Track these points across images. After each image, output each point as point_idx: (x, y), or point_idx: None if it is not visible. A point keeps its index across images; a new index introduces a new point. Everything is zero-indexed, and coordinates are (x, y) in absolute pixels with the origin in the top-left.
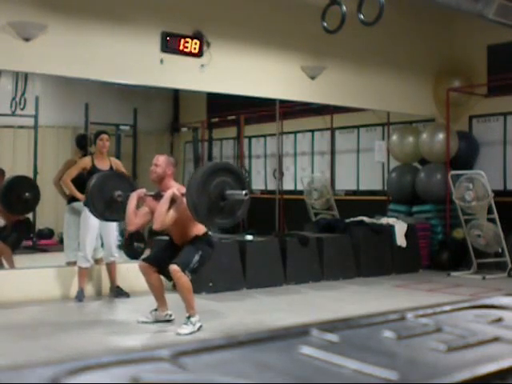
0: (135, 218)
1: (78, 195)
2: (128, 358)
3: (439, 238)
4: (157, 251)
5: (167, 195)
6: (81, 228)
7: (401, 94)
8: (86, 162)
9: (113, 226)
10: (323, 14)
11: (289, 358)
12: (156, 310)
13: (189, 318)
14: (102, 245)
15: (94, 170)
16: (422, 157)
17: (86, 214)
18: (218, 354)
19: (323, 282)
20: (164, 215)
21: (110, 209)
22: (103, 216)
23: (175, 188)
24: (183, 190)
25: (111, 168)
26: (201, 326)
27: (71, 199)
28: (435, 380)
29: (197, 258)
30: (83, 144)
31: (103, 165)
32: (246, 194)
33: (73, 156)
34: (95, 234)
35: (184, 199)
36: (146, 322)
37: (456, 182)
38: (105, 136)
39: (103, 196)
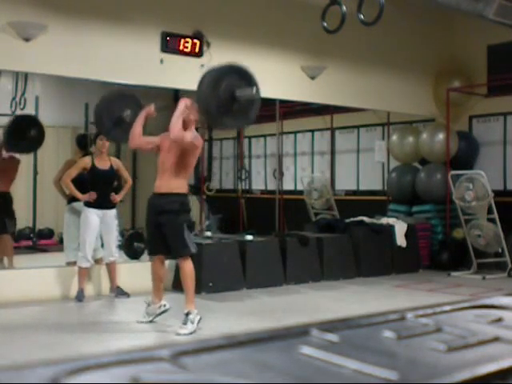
0: (139, 137)
1: (78, 195)
2: (128, 358)
3: (439, 238)
4: (152, 242)
5: (180, 106)
6: (81, 228)
7: (401, 94)
8: (86, 161)
9: (113, 227)
10: (323, 14)
11: (289, 358)
12: (149, 305)
13: (187, 315)
14: (102, 245)
15: (94, 169)
16: (422, 157)
17: (86, 214)
18: (218, 354)
19: (323, 282)
20: (179, 124)
21: (117, 128)
22: (110, 134)
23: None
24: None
25: (111, 167)
26: (200, 319)
27: (71, 199)
28: (435, 380)
29: (187, 233)
30: (84, 144)
31: (103, 164)
32: (256, 91)
33: (73, 156)
34: (95, 234)
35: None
36: (143, 322)
37: (456, 182)
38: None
39: (112, 114)
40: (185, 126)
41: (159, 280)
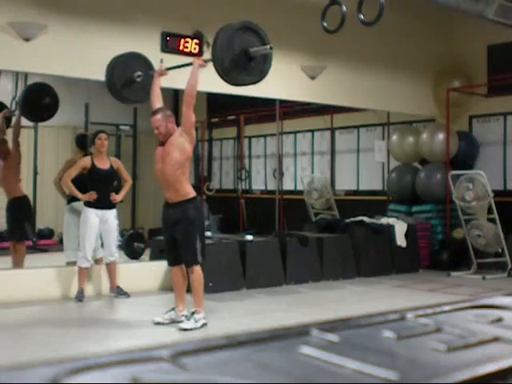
0: (158, 97)
1: (79, 195)
2: (128, 358)
3: (439, 238)
4: (169, 252)
5: (194, 68)
6: (80, 228)
7: (401, 93)
8: (86, 161)
9: (113, 227)
10: (323, 14)
11: (289, 358)
12: (173, 309)
13: (193, 313)
14: (102, 245)
15: (93, 169)
16: (422, 157)
17: (86, 214)
18: (218, 354)
19: (323, 282)
20: (195, 79)
21: (128, 88)
22: (121, 95)
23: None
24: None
25: (111, 167)
26: (205, 324)
27: (71, 199)
28: (435, 380)
29: (199, 243)
30: (83, 143)
31: (103, 164)
32: (271, 48)
33: (73, 156)
34: (95, 234)
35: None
36: (162, 323)
37: (456, 182)
38: (103, 135)
39: (124, 74)
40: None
41: (180, 289)
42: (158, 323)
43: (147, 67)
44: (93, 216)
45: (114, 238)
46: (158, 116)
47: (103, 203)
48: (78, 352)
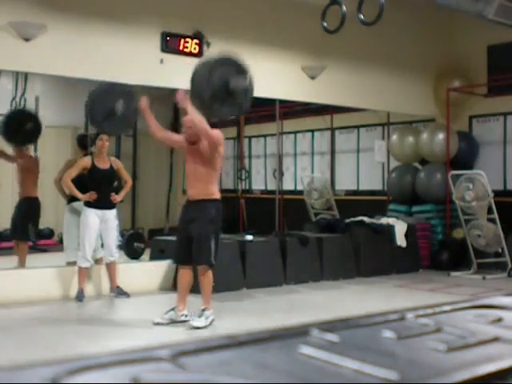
0: (159, 130)
1: (79, 195)
2: (128, 358)
3: (439, 238)
4: (179, 250)
5: (186, 108)
6: (80, 228)
7: (401, 93)
8: (86, 161)
9: (113, 227)
10: (323, 14)
11: (289, 357)
12: (172, 309)
13: (203, 310)
14: (102, 245)
15: (94, 169)
16: (422, 157)
17: (86, 214)
18: (218, 354)
19: (323, 282)
20: (203, 123)
21: (109, 120)
22: (102, 127)
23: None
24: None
25: (111, 167)
26: (213, 320)
27: (71, 199)
28: (435, 380)
29: (213, 245)
30: (84, 143)
31: (103, 164)
32: (249, 81)
33: (74, 156)
34: (95, 234)
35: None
36: (162, 324)
37: (456, 182)
38: (104, 136)
39: (103, 107)
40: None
41: (185, 290)
42: (158, 323)
43: (128, 98)
44: (93, 216)
45: (113, 238)
46: (189, 117)
47: (103, 203)
48: (77, 352)
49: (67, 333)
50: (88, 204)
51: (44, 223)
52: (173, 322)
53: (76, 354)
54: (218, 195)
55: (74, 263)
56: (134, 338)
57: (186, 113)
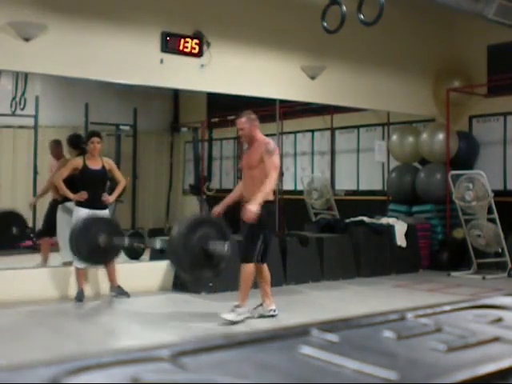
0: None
1: (70, 195)
2: (128, 358)
3: (439, 238)
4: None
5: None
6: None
7: (401, 93)
8: (77, 162)
9: None
10: (323, 14)
11: (289, 358)
12: (261, 305)
13: (236, 307)
14: None
15: (85, 170)
16: (422, 157)
17: (78, 213)
18: (218, 354)
19: (323, 282)
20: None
21: (95, 254)
22: (88, 262)
23: (266, 141)
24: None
25: (103, 168)
26: (244, 320)
27: (63, 199)
28: (435, 380)
29: (258, 246)
30: (75, 143)
31: (95, 164)
32: (227, 248)
33: (69, 156)
34: None
35: (272, 156)
36: (251, 317)
37: (456, 182)
38: (96, 139)
39: (88, 241)
40: (254, 138)
41: (264, 285)
42: (247, 318)
43: (112, 230)
44: (84, 216)
45: None
46: (243, 119)
47: (95, 203)
48: (78, 352)
49: (67, 333)
50: (80, 204)
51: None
52: (261, 316)
53: (76, 354)
54: (270, 197)
55: (70, 263)
56: (134, 338)
57: (241, 115)
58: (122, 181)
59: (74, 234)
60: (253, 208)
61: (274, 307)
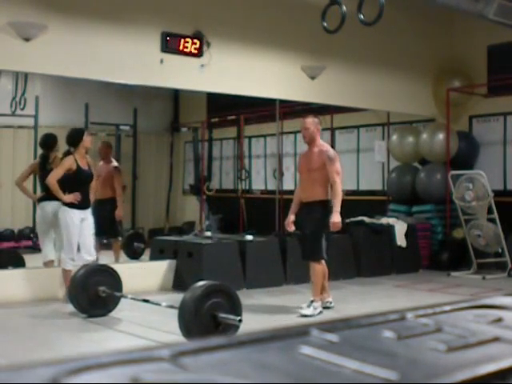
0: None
1: (62, 196)
2: (128, 358)
3: (439, 238)
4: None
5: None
6: (64, 230)
7: (401, 93)
8: (71, 162)
9: (90, 225)
10: (323, 14)
11: (289, 358)
12: (320, 299)
13: (312, 302)
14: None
15: (79, 170)
16: (422, 157)
17: (70, 215)
18: (218, 354)
19: None
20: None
21: (94, 304)
22: (87, 313)
23: (326, 148)
24: (331, 152)
25: (89, 167)
26: (321, 312)
27: (42, 198)
28: (435, 380)
29: (323, 244)
30: (48, 143)
31: (84, 164)
32: (239, 320)
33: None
34: (77, 235)
35: (335, 163)
36: (308, 315)
37: (456, 182)
38: (90, 137)
39: (87, 291)
40: (315, 142)
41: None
42: (306, 316)
43: (112, 281)
44: (77, 217)
45: (91, 236)
46: (310, 119)
47: (85, 203)
48: (77, 352)
49: (66, 333)
50: (71, 205)
51: None
52: (326, 307)
53: (76, 354)
54: (325, 197)
55: (51, 262)
56: (134, 338)
57: (307, 116)
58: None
59: (73, 284)
60: (337, 219)
61: (330, 299)
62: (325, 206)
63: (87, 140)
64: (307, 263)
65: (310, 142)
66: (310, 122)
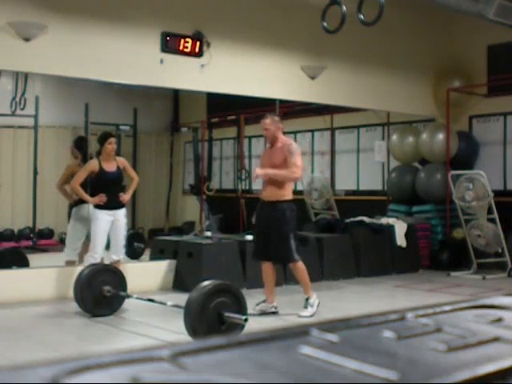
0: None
1: (88, 198)
2: (128, 358)
3: (439, 238)
4: (256, 245)
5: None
6: (92, 230)
7: (401, 93)
8: (94, 165)
9: (122, 226)
10: (323, 14)
11: (289, 358)
12: (264, 301)
13: (307, 300)
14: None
15: (101, 172)
16: (422, 157)
17: (97, 215)
18: (218, 354)
19: (323, 282)
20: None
21: (98, 304)
22: (91, 312)
23: (289, 142)
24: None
25: (118, 168)
26: (319, 303)
27: (78, 201)
28: (435, 380)
29: (292, 243)
30: (81, 145)
31: (110, 166)
32: (246, 320)
33: (72, 158)
34: (105, 235)
35: (295, 155)
36: (253, 315)
37: (456, 182)
38: (113, 139)
39: (92, 290)
40: (274, 142)
41: (270, 282)
42: (250, 314)
43: (117, 281)
44: (104, 217)
45: (122, 237)
46: (268, 120)
47: (113, 204)
48: (78, 352)
49: (67, 333)
50: (98, 206)
51: (44, 223)
52: (264, 313)
53: (76, 354)
54: (289, 196)
55: (73, 262)
56: (134, 338)
57: (266, 117)
58: (136, 177)
59: (78, 283)
60: (260, 172)
61: (275, 304)
62: (288, 206)
63: (108, 147)
64: (259, 264)
65: (273, 141)
66: (269, 122)
